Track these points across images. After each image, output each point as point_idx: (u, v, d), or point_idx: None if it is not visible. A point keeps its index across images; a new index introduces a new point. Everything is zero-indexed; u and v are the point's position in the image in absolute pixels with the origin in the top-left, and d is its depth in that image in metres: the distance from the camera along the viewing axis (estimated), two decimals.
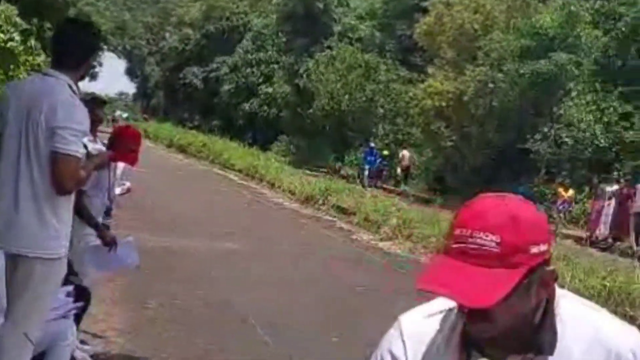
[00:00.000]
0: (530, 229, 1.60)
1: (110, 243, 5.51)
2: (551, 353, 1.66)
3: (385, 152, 31.82)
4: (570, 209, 22.49)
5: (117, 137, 5.73)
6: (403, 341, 1.80)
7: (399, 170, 31.58)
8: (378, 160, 31.16)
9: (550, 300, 1.69)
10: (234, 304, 8.74)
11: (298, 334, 7.74)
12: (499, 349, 1.68)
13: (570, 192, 22.10)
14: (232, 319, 8.09)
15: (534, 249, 1.59)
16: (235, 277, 10.35)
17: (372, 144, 31.88)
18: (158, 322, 7.69)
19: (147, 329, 7.42)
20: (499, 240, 1.56)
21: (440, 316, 1.78)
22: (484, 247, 1.56)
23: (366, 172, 30.27)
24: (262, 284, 10.11)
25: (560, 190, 22.21)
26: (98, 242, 5.55)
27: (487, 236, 1.56)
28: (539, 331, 1.67)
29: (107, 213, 6.49)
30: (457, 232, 1.60)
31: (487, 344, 1.69)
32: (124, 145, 5.61)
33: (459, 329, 1.73)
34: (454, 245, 1.60)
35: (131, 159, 5.72)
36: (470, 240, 1.58)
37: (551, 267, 1.65)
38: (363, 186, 27.42)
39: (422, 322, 1.80)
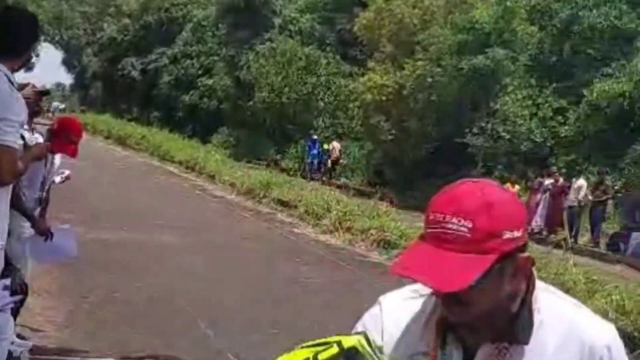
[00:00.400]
0: (504, 215, 1.60)
1: (44, 232, 5.42)
2: (526, 342, 1.66)
3: (326, 146, 31.90)
4: None
5: (59, 128, 5.65)
6: (382, 321, 1.81)
7: (329, 162, 31.95)
8: (320, 153, 31.27)
9: (529, 291, 1.68)
10: (174, 297, 8.71)
11: (239, 327, 7.76)
12: (475, 335, 1.69)
13: (517, 187, 22.52)
14: (172, 312, 8.07)
15: (508, 235, 1.58)
16: (174, 270, 10.31)
17: (315, 136, 31.96)
18: (97, 315, 7.63)
19: (86, 322, 7.35)
20: (471, 226, 1.56)
21: (421, 300, 1.79)
22: (457, 232, 1.56)
23: (309, 165, 30.36)
24: (202, 276, 10.09)
25: (508, 185, 22.59)
26: (32, 233, 5.47)
27: (459, 221, 1.57)
28: (515, 320, 1.67)
29: (43, 206, 6.41)
30: (432, 217, 1.62)
31: (463, 329, 1.70)
32: (65, 136, 5.55)
33: (437, 314, 1.73)
34: (429, 230, 1.61)
35: (71, 151, 5.66)
36: (443, 225, 1.58)
37: (526, 254, 1.64)
38: (304, 178, 27.46)
39: (402, 305, 1.81)
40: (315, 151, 30.71)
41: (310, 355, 1.55)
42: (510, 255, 1.59)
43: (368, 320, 1.83)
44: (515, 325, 1.67)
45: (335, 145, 31.81)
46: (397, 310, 1.80)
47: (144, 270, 10.10)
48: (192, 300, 8.56)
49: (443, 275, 1.54)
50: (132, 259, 10.75)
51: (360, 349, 1.59)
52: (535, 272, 1.70)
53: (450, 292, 1.56)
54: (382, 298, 1.86)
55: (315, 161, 31.18)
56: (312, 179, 28.68)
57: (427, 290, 1.74)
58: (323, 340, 1.60)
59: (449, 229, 1.57)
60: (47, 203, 5.99)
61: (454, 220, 1.57)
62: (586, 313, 1.76)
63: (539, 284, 1.72)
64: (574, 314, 1.73)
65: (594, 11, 25.34)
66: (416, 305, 1.78)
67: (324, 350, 1.56)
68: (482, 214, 1.57)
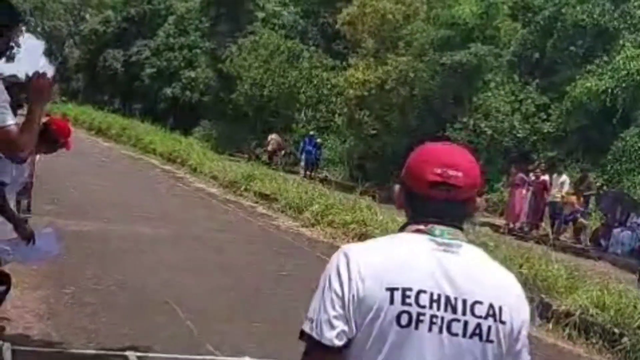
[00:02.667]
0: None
1: (28, 238, 5.38)
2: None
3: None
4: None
5: (47, 130, 5.56)
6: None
7: (267, 152, 32.43)
8: (315, 150, 30.74)
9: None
10: (155, 289, 8.67)
11: (218, 318, 7.75)
12: None
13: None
14: (152, 304, 8.04)
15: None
16: (156, 262, 10.26)
17: (312, 132, 31.64)
18: (77, 306, 7.59)
19: (67, 313, 7.31)
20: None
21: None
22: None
23: (302, 162, 30.20)
24: (183, 268, 10.05)
25: None
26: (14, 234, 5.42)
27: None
28: None
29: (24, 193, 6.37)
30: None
31: None
32: (51, 139, 5.54)
33: None
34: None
35: (61, 147, 5.69)
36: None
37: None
38: (293, 172, 27.33)
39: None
40: (309, 147, 30.38)
41: None
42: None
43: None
44: None
45: (274, 137, 32.30)
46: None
47: (125, 261, 10.05)
48: (172, 292, 8.52)
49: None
50: (113, 251, 10.70)
51: None
52: None
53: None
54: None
55: (309, 158, 30.66)
56: (306, 176, 28.37)
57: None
58: None
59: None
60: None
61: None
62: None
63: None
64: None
65: (577, 8, 25.43)
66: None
67: None
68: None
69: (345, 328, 1.98)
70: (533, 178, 21.23)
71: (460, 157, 2.11)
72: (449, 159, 2.07)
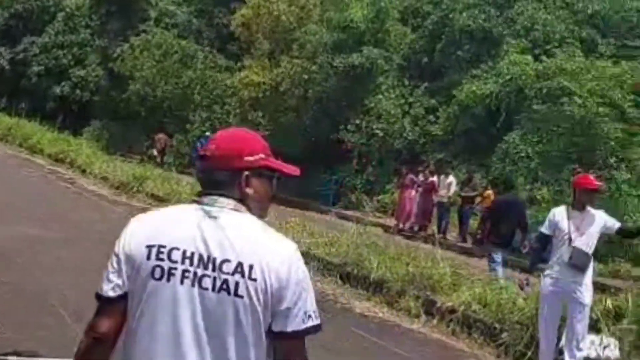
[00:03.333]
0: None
1: None
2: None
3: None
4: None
5: None
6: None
7: (155, 152, 32.24)
8: None
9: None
10: (42, 292, 8.53)
11: None
12: None
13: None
14: (38, 306, 7.91)
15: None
16: (43, 265, 10.07)
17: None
18: None
19: None
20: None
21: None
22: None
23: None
24: (72, 271, 9.89)
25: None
26: None
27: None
28: None
29: None
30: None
31: None
32: None
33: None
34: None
35: None
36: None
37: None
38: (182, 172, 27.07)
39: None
40: None
41: None
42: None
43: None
44: None
45: (161, 136, 32.29)
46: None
47: (11, 264, 9.82)
48: (59, 294, 8.40)
49: None
50: (0, 253, 10.43)
51: None
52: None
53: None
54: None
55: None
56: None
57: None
58: None
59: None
60: None
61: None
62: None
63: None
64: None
65: (464, 14, 26.20)
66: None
67: None
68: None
69: (119, 282, 2.37)
70: (422, 179, 21.77)
71: (224, 134, 2.52)
72: (215, 136, 2.50)
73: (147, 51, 34.91)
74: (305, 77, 27.14)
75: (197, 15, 38.93)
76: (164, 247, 2.30)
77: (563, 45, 24.76)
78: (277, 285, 2.25)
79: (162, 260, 2.29)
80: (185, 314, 2.25)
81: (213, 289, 2.25)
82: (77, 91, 42.07)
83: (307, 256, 12.77)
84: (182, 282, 2.27)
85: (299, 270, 2.32)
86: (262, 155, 2.48)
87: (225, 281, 2.24)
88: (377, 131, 26.08)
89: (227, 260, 2.25)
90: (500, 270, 12.12)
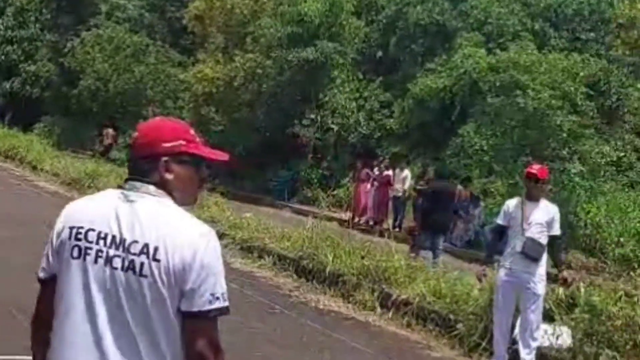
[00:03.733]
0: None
1: None
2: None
3: None
4: None
5: None
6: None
7: (101, 146, 32.19)
8: None
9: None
10: None
11: None
12: None
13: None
14: None
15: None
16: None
17: None
18: None
19: None
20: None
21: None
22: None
23: None
24: (24, 272, 9.62)
25: None
26: None
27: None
28: None
29: None
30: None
31: None
32: None
33: None
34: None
35: None
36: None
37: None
38: None
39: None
40: None
41: None
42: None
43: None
44: None
45: (109, 131, 32.15)
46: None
47: None
48: (14, 298, 8.18)
49: None
50: None
51: None
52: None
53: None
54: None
55: None
56: None
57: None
58: None
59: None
60: None
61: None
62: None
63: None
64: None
65: (418, 7, 26.28)
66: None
67: None
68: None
69: (47, 265, 2.57)
70: (377, 173, 21.78)
71: (147, 123, 2.67)
72: (139, 126, 2.63)
73: (98, 46, 34.43)
74: (260, 71, 26.99)
75: (149, 9, 38.48)
76: (82, 228, 2.45)
77: (516, 38, 24.98)
78: (180, 267, 2.35)
79: (79, 240, 2.44)
80: (98, 292, 2.39)
81: (122, 269, 2.37)
82: (27, 87, 41.35)
83: (262, 251, 12.70)
84: (95, 262, 2.41)
85: (206, 254, 2.39)
86: (181, 142, 2.53)
87: (132, 261, 2.36)
88: (332, 125, 26.06)
89: (135, 242, 2.38)
90: (424, 252, 12.72)
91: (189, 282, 2.35)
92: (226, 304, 2.41)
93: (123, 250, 2.38)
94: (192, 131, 2.61)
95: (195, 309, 2.36)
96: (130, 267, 2.37)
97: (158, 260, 2.35)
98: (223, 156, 2.75)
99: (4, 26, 44.08)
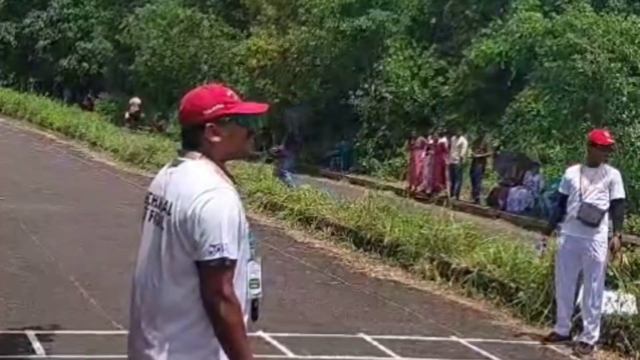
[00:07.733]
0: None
1: None
2: None
3: None
4: None
5: None
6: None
7: (127, 115, 32.70)
8: None
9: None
10: (56, 266, 8.54)
11: (123, 295, 7.65)
12: None
13: None
14: (54, 282, 7.92)
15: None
16: (57, 239, 10.08)
17: None
18: None
19: None
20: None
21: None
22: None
23: None
24: (85, 244, 9.91)
25: None
26: None
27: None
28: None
29: None
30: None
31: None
32: None
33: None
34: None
35: None
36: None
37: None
38: None
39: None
40: None
41: None
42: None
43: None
44: None
45: (136, 100, 32.78)
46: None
47: (25, 240, 9.84)
48: (74, 269, 8.41)
49: None
50: (12, 229, 10.45)
51: None
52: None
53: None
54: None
55: None
56: None
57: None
58: None
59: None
60: None
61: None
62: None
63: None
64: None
65: None
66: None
67: None
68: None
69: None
70: (432, 141, 21.66)
71: (187, 95, 2.84)
72: (183, 99, 2.83)
73: (152, 21, 34.66)
74: (313, 43, 26.94)
75: None
76: (150, 193, 2.85)
77: (572, 0, 24.41)
78: (183, 219, 2.63)
79: (148, 203, 2.84)
80: (147, 243, 2.78)
81: (155, 223, 2.75)
82: (85, 64, 41.99)
83: (320, 222, 12.76)
84: (150, 220, 2.80)
85: (205, 207, 2.62)
86: (219, 106, 2.74)
87: (158, 214, 2.74)
88: (387, 95, 25.93)
89: (162, 199, 2.73)
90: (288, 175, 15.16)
91: (194, 234, 2.61)
92: (226, 254, 2.61)
93: (158, 208, 2.75)
94: (229, 92, 2.82)
95: (198, 259, 2.62)
96: (156, 221, 2.75)
97: (170, 214, 2.68)
98: (262, 108, 2.97)
99: (60, 4, 44.76)
